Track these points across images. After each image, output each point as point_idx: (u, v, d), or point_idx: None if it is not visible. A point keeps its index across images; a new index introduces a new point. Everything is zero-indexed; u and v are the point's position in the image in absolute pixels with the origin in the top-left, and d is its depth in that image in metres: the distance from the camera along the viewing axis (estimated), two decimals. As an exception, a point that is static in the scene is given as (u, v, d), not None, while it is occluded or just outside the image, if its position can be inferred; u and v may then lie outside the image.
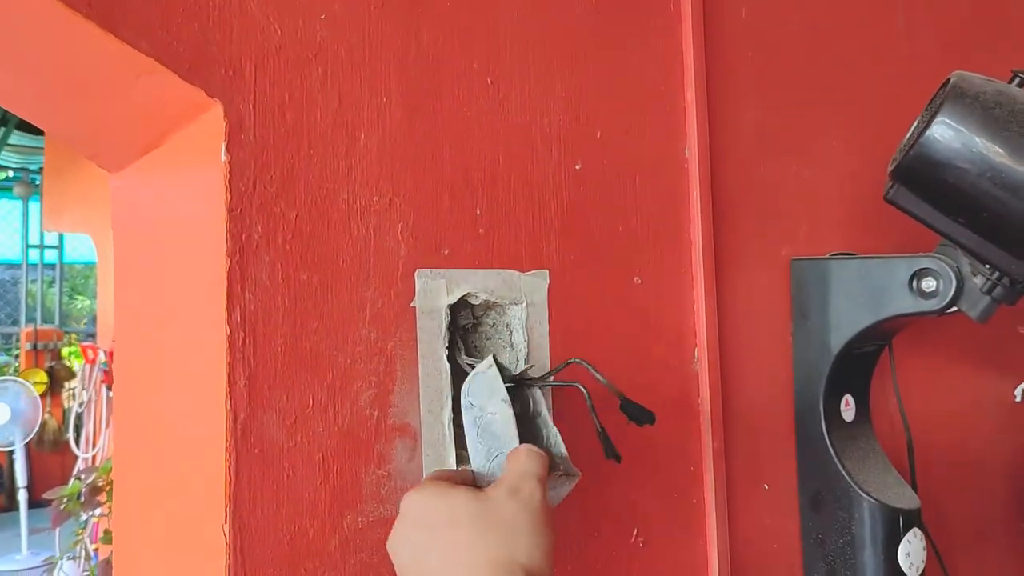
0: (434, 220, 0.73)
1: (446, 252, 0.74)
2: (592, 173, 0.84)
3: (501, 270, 0.77)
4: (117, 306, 0.82)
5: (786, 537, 0.98)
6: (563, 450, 0.71)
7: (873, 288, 0.94)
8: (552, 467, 0.70)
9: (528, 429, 0.74)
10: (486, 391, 0.69)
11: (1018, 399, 1.27)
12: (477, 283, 0.76)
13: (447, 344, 0.74)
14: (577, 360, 0.75)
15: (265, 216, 0.65)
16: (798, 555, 0.99)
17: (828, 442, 0.97)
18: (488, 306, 0.79)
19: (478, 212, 0.76)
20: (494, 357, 0.70)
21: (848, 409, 1.01)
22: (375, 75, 0.71)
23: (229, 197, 0.63)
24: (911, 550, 0.94)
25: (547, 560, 0.60)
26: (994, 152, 0.79)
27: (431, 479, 0.64)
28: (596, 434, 0.73)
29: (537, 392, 0.74)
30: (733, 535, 0.91)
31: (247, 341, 0.63)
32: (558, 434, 0.72)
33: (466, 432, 0.70)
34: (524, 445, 0.66)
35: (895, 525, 0.94)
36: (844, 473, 0.96)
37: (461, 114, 0.75)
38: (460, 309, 0.78)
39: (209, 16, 0.63)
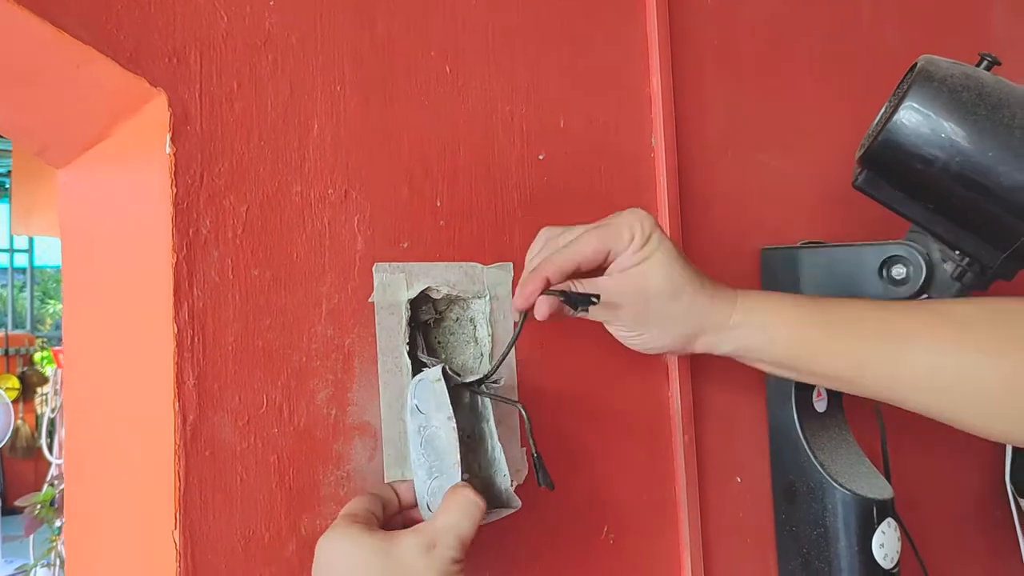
0: (392, 212, 0.71)
1: (405, 245, 0.72)
2: (556, 163, 0.82)
3: (463, 263, 0.75)
4: (66, 306, 0.79)
5: (760, 530, 0.97)
6: (506, 479, 0.69)
7: (843, 276, 0.93)
8: (491, 502, 0.68)
9: (472, 445, 0.72)
10: (432, 402, 0.67)
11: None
12: (438, 276, 0.74)
13: (408, 340, 0.72)
14: (520, 407, 0.71)
15: (214, 210, 0.62)
16: (772, 547, 0.97)
17: (800, 433, 0.95)
18: (450, 300, 0.77)
19: (438, 203, 0.74)
20: (443, 368, 0.67)
21: (820, 399, 1.00)
22: (328, 63, 0.68)
23: (175, 191, 0.60)
24: (885, 540, 0.93)
25: None
26: (962, 136, 0.78)
27: (347, 517, 0.62)
28: (531, 459, 0.71)
29: (487, 401, 0.72)
30: (706, 529, 0.90)
31: (196, 339, 0.61)
32: (503, 459, 0.70)
33: (409, 438, 0.68)
34: (463, 491, 0.63)
35: (869, 516, 0.93)
36: (816, 464, 0.94)
37: (419, 103, 0.73)
38: (421, 303, 0.75)
39: (151, 2, 0.61)
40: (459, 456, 0.64)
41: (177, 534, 0.59)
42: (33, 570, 4.35)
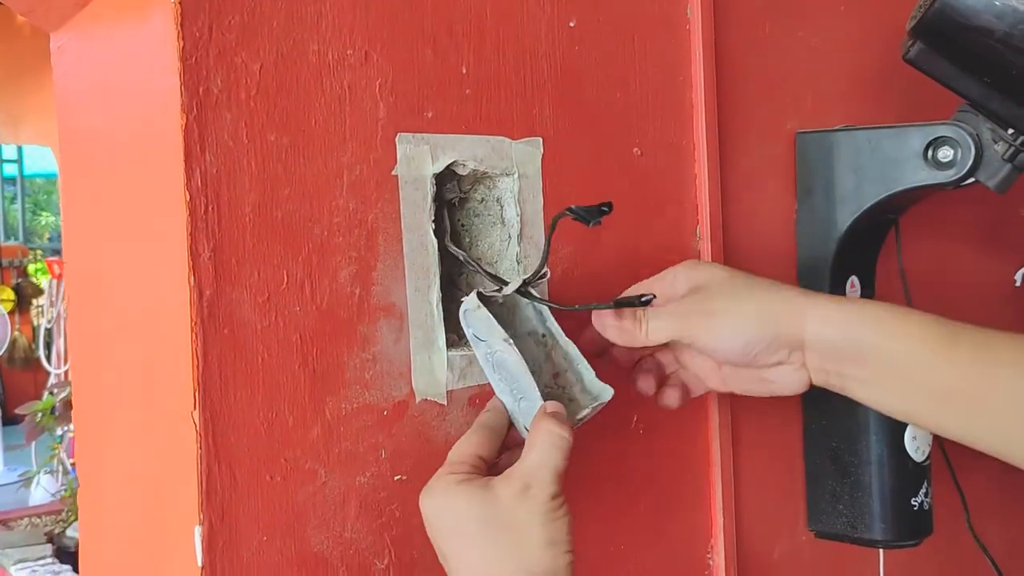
0: (416, 78, 0.66)
1: (430, 115, 0.66)
2: (587, 32, 0.76)
3: (490, 136, 0.70)
4: (64, 185, 0.74)
5: (787, 426, 0.94)
6: (589, 370, 0.67)
7: (885, 160, 0.88)
8: (581, 399, 0.67)
9: (548, 344, 0.69)
10: (484, 328, 0.63)
11: (1018, 283, 1.23)
12: (465, 151, 0.69)
13: (433, 218, 0.68)
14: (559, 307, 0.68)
15: (225, 67, 0.57)
16: (799, 443, 0.95)
17: (833, 325, 0.92)
18: (476, 178, 0.72)
19: (464, 71, 0.68)
20: (478, 293, 0.64)
21: (853, 291, 0.96)
22: (345, -91, 0.62)
23: (182, 43, 0.55)
24: (918, 433, 0.91)
25: (561, 560, 0.57)
26: (1022, 2, 0.73)
27: (448, 467, 0.60)
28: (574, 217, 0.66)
29: (544, 309, 0.68)
30: (735, 424, 0.87)
31: (210, 208, 0.56)
32: (577, 353, 0.67)
33: (481, 364, 0.65)
34: (546, 423, 0.60)
35: (901, 408, 0.90)
36: (849, 357, 0.91)
37: (443, -42, 0.67)
38: (446, 181, 0.71)
39: None
40: (531, 376, 0.61)
41: (197, 415, 0.55)
42: (36, 477, 4.39)
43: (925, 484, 0.92)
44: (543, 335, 0.69)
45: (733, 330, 0.66)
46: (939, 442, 1.01)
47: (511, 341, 0.61)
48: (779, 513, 0.93)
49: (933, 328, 0.65)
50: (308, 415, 0.60)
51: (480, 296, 0.64)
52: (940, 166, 0.85)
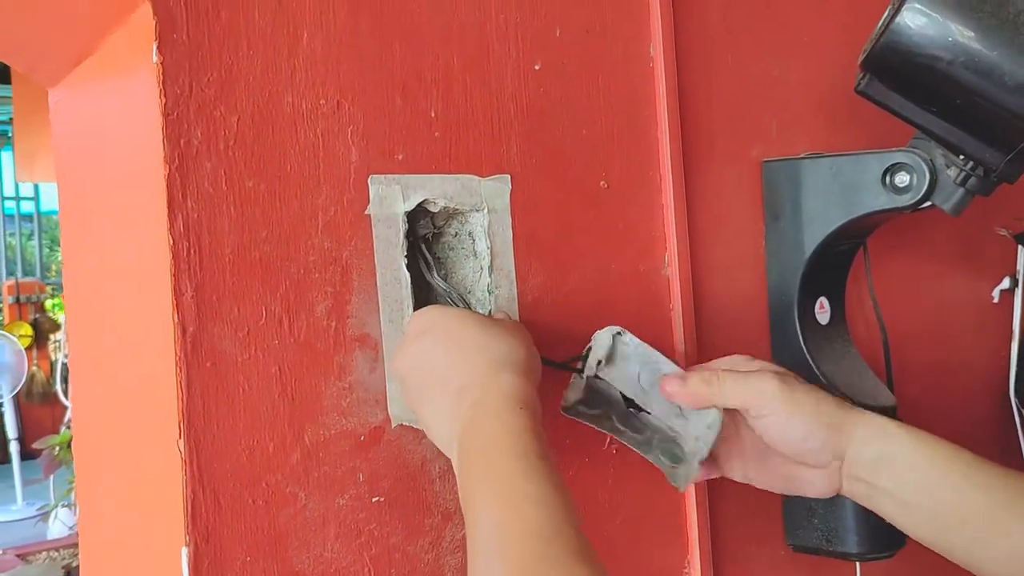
0: (386, 123, 0.70)
1: (400, 157, 0.71)
2: (552, 73, 0.80)
3: (460, 175, 0.74)
4: (63, 227, 0.79)
5: (763, 441, 0.97)
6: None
7: (845, 186, 0.92)
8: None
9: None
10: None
11: (996, 300, 1.26)
12: (435, 189, 0.73)
13: (406, 253, 0.72)
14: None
15: (204, 120, 0.62)
16: (775, 459, 0.98)
17: (803, 345, 0.96)
18: (449, 214, 0.77)
19: (433, 114, 0.73)
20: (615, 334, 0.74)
21: (823, 312, 1.00)
22: (316, -30, 0.67)
23: (164, 100, 0.60)
24: (887, 449, 0.94)
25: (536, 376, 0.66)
26: (967, 36, 0.77)
27: None
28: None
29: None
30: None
31: (192, 251, 0.61)
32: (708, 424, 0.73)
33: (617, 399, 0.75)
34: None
35: (871, 424, 0.93)
36: (820, 375, 0.95)
37: (410, 11, 0.72)
38: (419, 217, 0.75)
39: (131, -93, 0.59)
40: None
41: (182, 443, 0.60)
42: (53, 511, 4.44)
43: (897, 497, 0.95)
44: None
45: (801, 420, 0.70)
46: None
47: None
48: (756, 528, 0.96)
49: (967, 458, 0.71)
50: (288, 441, 0.64)
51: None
52: (897, 191, 0.89)
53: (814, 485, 0.74)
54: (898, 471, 0.71)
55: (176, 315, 0.60)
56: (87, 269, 0.77)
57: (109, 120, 0.70)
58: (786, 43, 1.01)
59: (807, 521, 0.97)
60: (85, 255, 0.77)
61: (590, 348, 0.75)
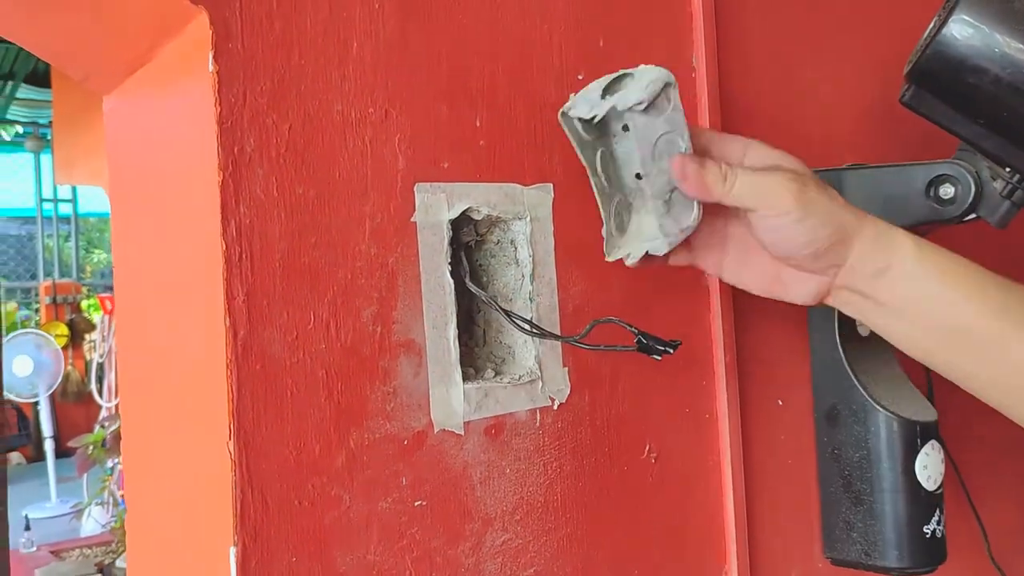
0: (432, 132, 0.71)
1: (446, 165, 0.72)
2: (596, 83, 0.81)
3: (503, 184, 0.75)
4: (114, 231, 0.81)
5: (801, 452, 0.97)
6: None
7: (889, 197, 0.92)
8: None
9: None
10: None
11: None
12: (479, 197, 0.74)
13: (450, 260, 0.73)
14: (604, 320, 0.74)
15: (257, 128, 0.63)
16: (813, 469, 0.98)
17: (843, 356, 0.95)
18: (492, 222, 0.78)
19: (478, 124, 0.74)
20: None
21: (863, 324, 0.99)
22: (366, -19, 0.68)
23: (219, 109, 0.61)
24: (928, 462, 0.93)
25: None
26: (1015, 48, 0.76)
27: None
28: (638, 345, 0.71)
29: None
30: (747, 450, 0.90)
31: (244, 256, 0.62)
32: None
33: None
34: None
35: (912, 438, 0.93)
36: (859, 387, 0.94)
37: (457, 22, 0.73)
38: (463, 225, 0.76)
39: (190, -81, 0.61)
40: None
41: (232, 444, 0.61)
42: (87, 508, 4.51)
43: (938, 512, 0.94)
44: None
45: (809, 225, 0.67)
46: (955, 470, 1.03)
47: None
48: (794, 540, 0.96)
49: (970, 271, 0.69)
50: (333, 444, 0.65)
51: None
52: (942, 203, 0.88)
53: (799, 290, 0.71)
54: (899, 285, 0.68)
55: (228, 319, 0.61)
56: (137, 272, 0.78)
57: (163, 127, 0.71)
58: (829, 53, 1.01)
59: (845, 534, 0.96)
60: (136, 258, 0.78)
61: (629, 75, 0.66)
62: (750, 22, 0.93)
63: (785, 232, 0.67)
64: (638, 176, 0.70)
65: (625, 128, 0.69)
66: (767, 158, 0.70)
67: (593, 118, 0.68)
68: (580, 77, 0.80)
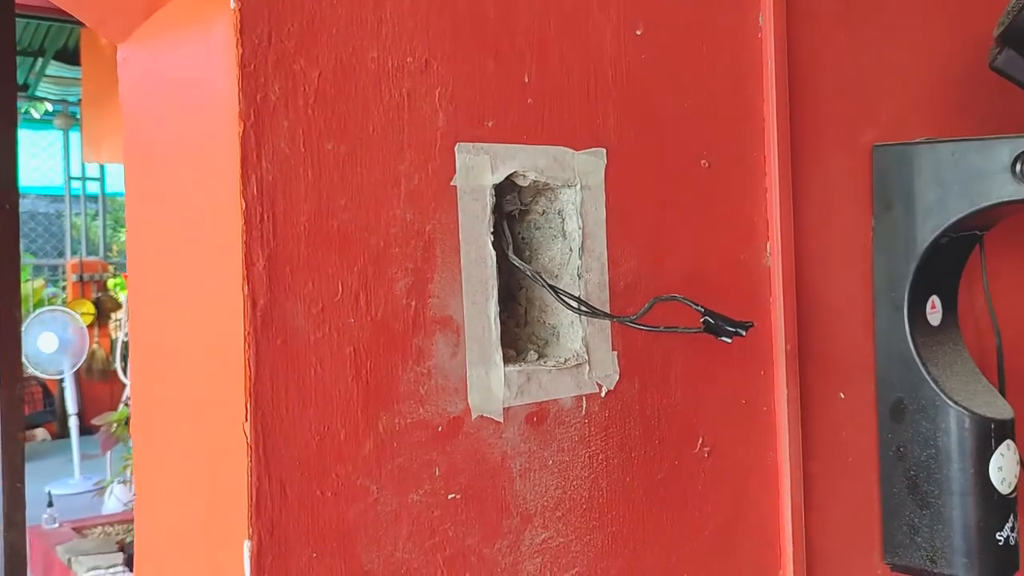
0: (476, 86, 0.64)
1: (490, 124, 0.65)
2: (655, 40, 0.74)
3: (552, 147, 0.68)
4: (128, 191, 0.75)
5: (863, 450, 0.90)
6: None
7: (969, 174, 0.84)
8: None
9: None
10: None
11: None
12: (525, 161, 0.67)
13: (492, 230, 0.66)
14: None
15: (283, 74, 0.56)
16: (875, 469, 0.90)
17: (912, 347, 0.88)
18: (537, 189, 0.71)
19: (526, 79, 0.67)
20: None
21: (935, 312, 0.91)
22: (407, -85, 0.61)
23: (241, 51, 0.54)
24: (1004, 464, 0.85)
25: None
26: (1124, 7, 0.68)
27: None
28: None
29: None
30: (806, 447, 0.83)
31: (265, 217, 0.55)
32: None
33: None
34: None
35: (986, 436, 0.85)
36: (930, 380, 0.87)
37: (506, -35, 0.66)
38: (506, 192, 0.69)
39: None
40: None
41: (248, 427, 0.54)
42: (110, 486, 4.50)
43: (1011, 517, 0.87)
44: None
45: None
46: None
47: None
48: (852, 544, 0.89)
49: None
50: (361, 430, 0.59)
51: None
52: (1030, 180, 0.80)
53: None
54: None
55: (246, 286, 0.55)
56: (150, 233, 0.72)
57: (180, 74, 0.65)
58: (902, 21, 0.93)
59: (909, 539, 0.89)
60: (150, 222, 0.72)
61: None
62: (820, -19, 0.86)
63: None
64: None
65: None
66: None
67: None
68: (638, 32, 0.73)
